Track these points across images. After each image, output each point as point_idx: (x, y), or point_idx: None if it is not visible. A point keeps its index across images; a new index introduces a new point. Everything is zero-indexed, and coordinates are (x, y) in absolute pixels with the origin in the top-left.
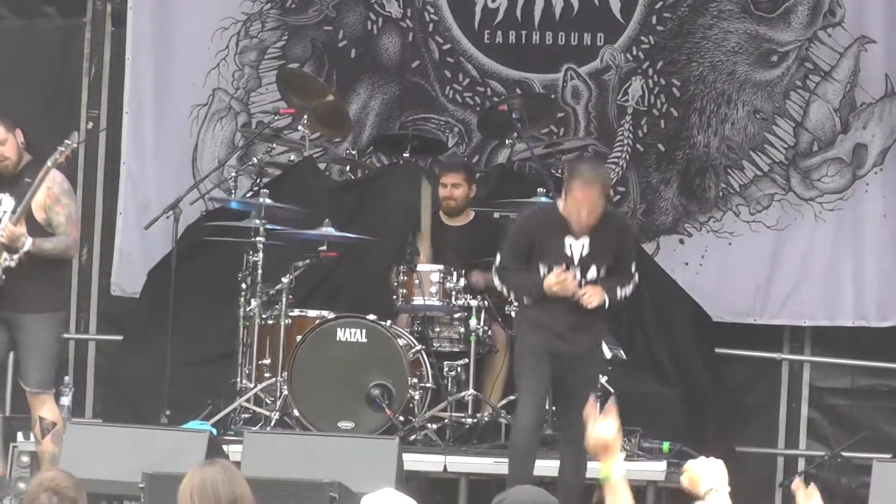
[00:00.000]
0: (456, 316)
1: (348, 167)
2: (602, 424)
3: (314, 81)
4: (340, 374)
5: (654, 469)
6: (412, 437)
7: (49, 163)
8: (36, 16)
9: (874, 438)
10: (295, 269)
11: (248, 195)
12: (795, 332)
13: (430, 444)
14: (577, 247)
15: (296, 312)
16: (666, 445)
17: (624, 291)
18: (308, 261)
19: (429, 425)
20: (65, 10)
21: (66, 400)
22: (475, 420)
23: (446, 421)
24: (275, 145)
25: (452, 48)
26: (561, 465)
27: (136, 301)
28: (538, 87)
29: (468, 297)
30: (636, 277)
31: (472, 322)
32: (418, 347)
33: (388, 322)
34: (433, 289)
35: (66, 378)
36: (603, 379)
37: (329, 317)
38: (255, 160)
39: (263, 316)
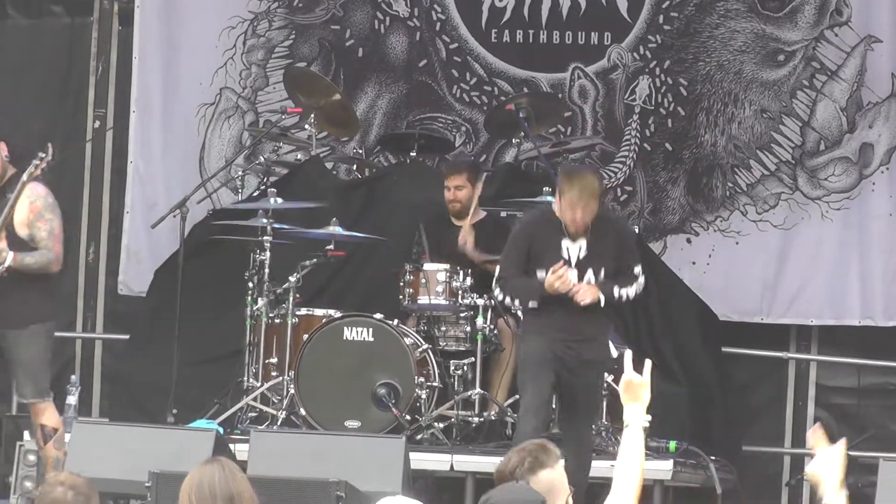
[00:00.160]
0: (462, 315)
1: (355, 166)
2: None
3: (321, 80)
4: (347, 373)
5: (661, 468)
6: (419, 436)
7: (24, 177)
8: (43, 15)
9: (881, 437)
10: (302, 268)
11: (255, 194)
12: (802, 331)
13: (437, 443)
14: (573, 249)
15: (303, 311)
16: (673, 444)
17: (624, 292)
18: (315, 260)
19: (435, 424)
20: (72, 9)
21: (72, 399)
22: (482, 419)
23: (453, 420)
24: (282, 144)
25: (460, 47)
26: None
27: (143, 300)
28: (545, 86)
29: (474, 295)
30: (641, 280)
31: (479, 321)
32: (425, 346)
33: (395, 321)
34: (439, 288)
35: (73, 377)
36: (609, 378)
37: (336, 316)
38: (262, 159)
39: (270, 315)
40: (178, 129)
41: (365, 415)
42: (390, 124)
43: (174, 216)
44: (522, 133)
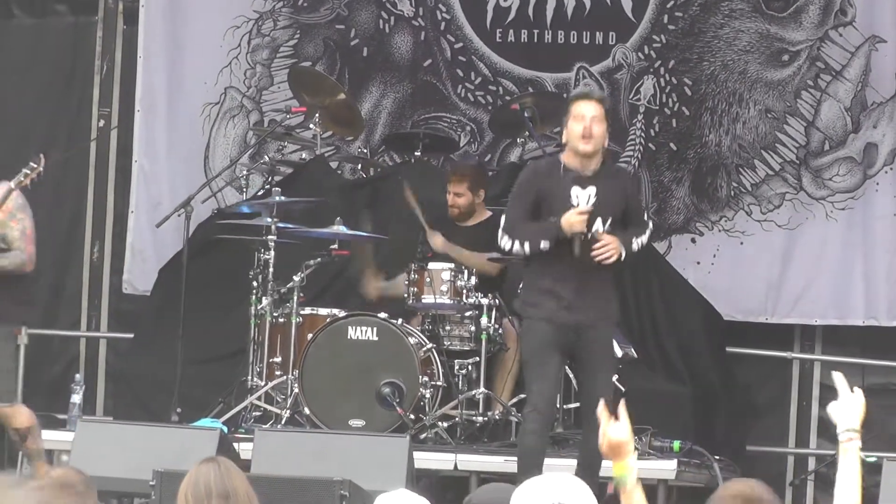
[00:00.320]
0: (467, 314)
1: (360, 166)
2: (614, 426)
3: (326, 80)
4: (351, 372)
5: (665, 468)
6: (423, 436)
7: (12, 184)
8: (48, 14)
9: (885, 438)
10: (306, 268)
11: (259, 193)
12: (806, 331)
13: (441, 443)
14: (583, 196)
15: (307, 310)
16: (676, 444)
17: (640, 241)
18: (319, 259)
19: (439, 423)
20: (76, 8)
21: (76, 397)
22: (486, 418)
23: (457, 419)
24: (286, 144)
25: (464, 47)
26: (583, 435)
27: (148, 299)
28: (550, 85)
29: (479, 295)
30: (651, 225)
31: (483, 320)
32: (429, 345)
33: (399, 320)
34: (444, 287)
35: (77, 376)
36: (613, 377)
37: (340, 315)
38: (266, 158)
39: (274, 314)
40: (183, 129)
41: (369, 414)
42: (395, 124)
43: (179, 215)
44: (527, 132)
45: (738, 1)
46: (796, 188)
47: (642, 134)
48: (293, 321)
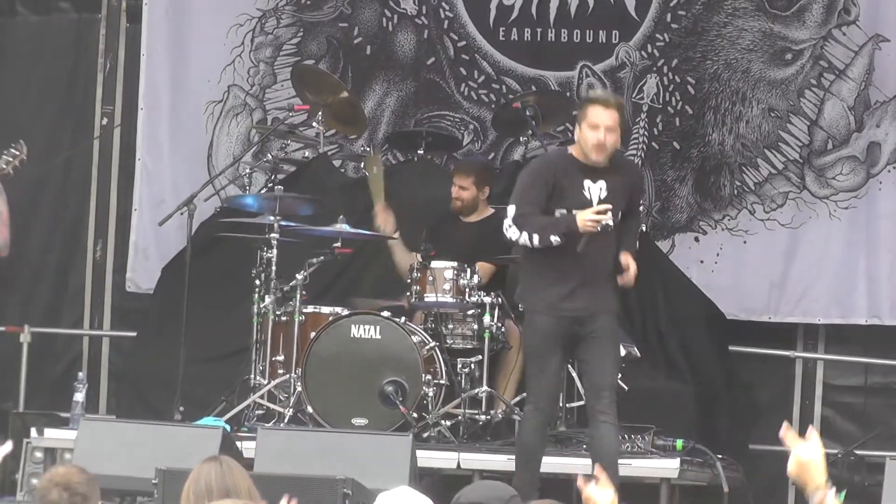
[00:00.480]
0: (469, 312)
1: (363, 164)
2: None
3: (329, 78)
4: (354, 370)
5: (668, 466)
6: (426, 434)
7: None
8: (51, 11)
9: (887, 436)
10: (309, 266)
11: (262, 191)
12: (809, 330)
13: (444, 441)
14: (595, 190)
15: (310, 309)
16: (679, 443)
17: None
18: (322, 257)
19: (442, 422)
20: (80, 6)
21: (79, 396)
22: (489, 417)
23: (460, 418)
24: (290, 142)
25: (467, 45)
26: (590, 429)
27: (150, 297)
28: (553, 84)
29: (482, 293)
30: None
31: (486, 319)
32: (432, 344)
33: (402, 318)
34: (447, 285)
35: (80, 374)
36: (618, 370)
37: (343, 313)
38: (269, 157)
39: (277, 312)
40: (186, 127)
41: (372, 412)
42: (398, 122)
43: (181, 213)
44: (530, 131)
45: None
46: (799, 187)
47: (645, 133)
48: (296, 319)
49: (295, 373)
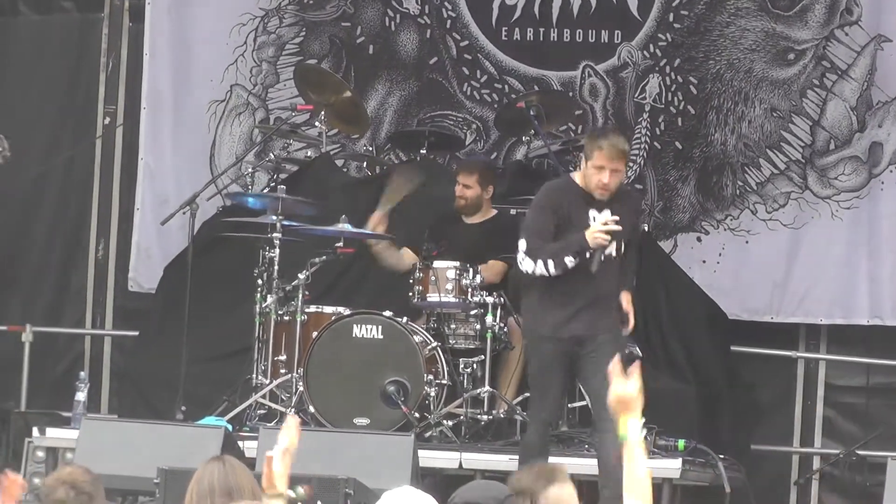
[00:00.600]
0: (472, 312)
1: (366, 163)
2: (624, 382)
3: (332, 77)
4: (356, 370)
5: (670, 466)
6: (428, 434)
7: None
8: (54, 11)
9: (889, 436)
10: (311, 266)
11: (264, 191)
12: (811, 330)
13: (446, 441)
14: (600, 219)
15: (312, 309)
16: (681, 443)
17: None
18: (324, 257)
19: (444, 422)
20: (82, 6)
21: (81, 395)
22: (491, 417)
23: (462, 417)
24: (292, 141)
25: (470, 45)
26: (597, 443)
27: (153, 297)
28: (556, 84)
29: (484, 293)
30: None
31: (488, 319)
32: (434, 344)
33: (405, 318)
34: (449, 285)
35: (82, 374)
36: None
37: (345, 313)
38: (272, 156)
39: (279, 312)
40: (189, 126)
41: (374, 412)
42: (401, 122)
43: (184, 213)
44: (533, 131)
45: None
46: (801, 187)
47: (648, 132)
48: (298, 319)
49: (297, 372)
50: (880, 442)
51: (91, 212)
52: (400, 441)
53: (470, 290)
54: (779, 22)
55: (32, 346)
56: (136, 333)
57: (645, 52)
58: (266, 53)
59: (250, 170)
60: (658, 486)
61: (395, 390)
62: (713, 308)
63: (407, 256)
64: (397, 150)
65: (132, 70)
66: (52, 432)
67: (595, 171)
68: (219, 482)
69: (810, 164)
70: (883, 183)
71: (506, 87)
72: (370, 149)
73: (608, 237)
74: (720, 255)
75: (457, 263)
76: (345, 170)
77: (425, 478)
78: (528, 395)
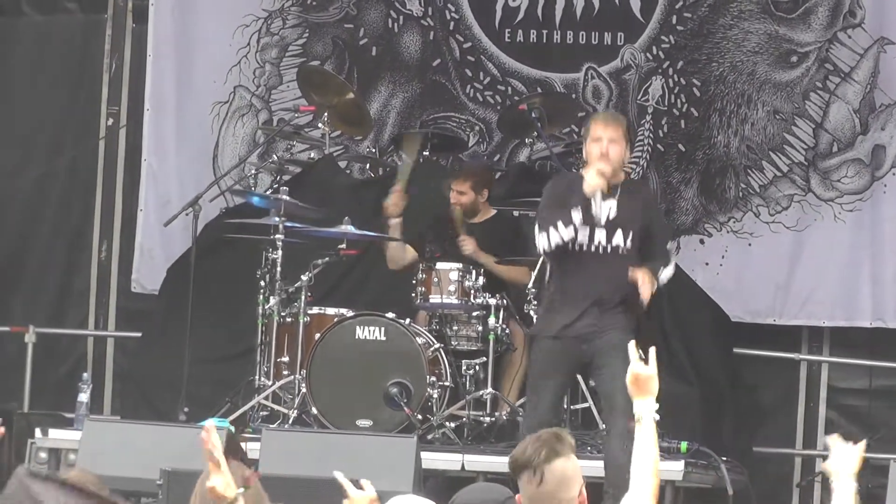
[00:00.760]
0: (474, 314)
1: (368, 165)
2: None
3: (335, 79)
4: (359, 371)
5: (672, 469)
6: (430, 436)
7: None
8: (57, 11)
9: (891, 439)
10: (314, 267)
11: (267, 192)
12: (814, 333)
13: (448, 443)
14: (604, 208)
15: (315, 310)
16: (684, 445)
17: (665, 274)
18: (327, 259)
19: (447, 424)
20: (86, 6)
21: (84, 396)
22: (493, 419)
23: (464, 419)
24: (295, 143)
25: (473, 47)
26: (605, 439)
27: (155, 298)
28: (559, 86)
29: (486, 295)
30: (673, 260)
31: (491, 320)
32: (437, 346)
33: (407, 320)
34: (452, 287)
35: (85, 375)
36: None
37: (348, 315)
38: (275, 157)
39: (282, 313)
40: (192, 127)
41: (376, 414)
42: (404, 123)
43: (187, 214)
44: (535, 133)
45: (747, 2)
46: (804, 190)
47: (650, 135)
48: (301, 321)
49: (300, 374)
50: (883, 444)
51: (94, 213)
52: (402, 443)
53: (472, 291)
54: (782, 24)
55: (35, 347)
56: (139, 335)
57: (648, 55)
58: (269, 55)
59: (253, 171)
60: (660, 488)
61: (398, 392)
62: (716, 310)
63: (409, 252)
64: (400, 151)
65: (135, 71)
66: (54, 433)
67: (593, 144)
68: None
69: (813, 166)
70: (886, 185)
71: (509, 89)
72: (373, 150)
73: (602, 179)
74: (723, 257)
75: (459, 265)
76: (348, 171)
77: (427, 479)
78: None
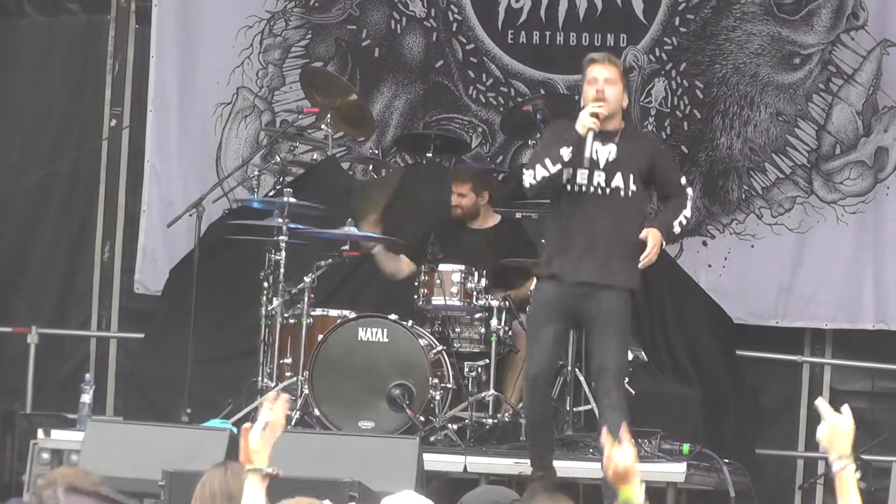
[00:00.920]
0: (477, 316)
1: (371, 167)
2: (618, 451)
3: (337, 80)
4: (361, 373)
5: (674, 471)
6: (432, 438)
7: None
8: (60, 12)
9: (894, 442)
10: (317, 269)
11: (270, 194)
12: (816, 335)
13: (451, 445)
14: (602, 151)
15: (317, 311)
16: (686, 447)
17: (682, 217)
18: (330, 260)
19: (449, 425)
20: (89, 7)
21: (86, 397)
22: (495, 420)
23: (467, 421)
24: (298, 144)
25: (476, 48)
26: (599, 411)
27: (158, 299)
28: (562, 87)
29: (489, 297)
30: (690, 192)
31: (493, 322)
32: (439, 347)
33: (410, 322)
34: (454, 289)
35: (87, 375)
36: (626, 351)
37: (351, 316)
38: (278, 159)
39: (285, 315)
40: (195, 129)
41: (379, 415)
42: (407, 125)
43: (190, 215)
44: (538, 134)
45: (749, 4)
46: (807, 192)
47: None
48: (304, 322)
49: (302, 375)
50: (885, 447)
51: (97, 214)
52: (405, 444)
53: (475, 293)
54: (785, 26)
55: (38, 347)
56: (142, 335)
57: (651, 56)
58: (272, 56)
59: (256, 172)
60: (662, 490)
61: (401, 393)
62: (718, 312)
63: (404, 264)
64: (403, 153)
65: (138, 72)
66: (57, 434)
67: (589, 86)
68: (220, 488)
69: (816, 168)
70: (888, 188)
71: (511, 90)
72: (376, 152)
73: (596, 120)
74: (726, 259)
75: (462, 267)
76: (351, 172)
77: (430, 481)
78: None
